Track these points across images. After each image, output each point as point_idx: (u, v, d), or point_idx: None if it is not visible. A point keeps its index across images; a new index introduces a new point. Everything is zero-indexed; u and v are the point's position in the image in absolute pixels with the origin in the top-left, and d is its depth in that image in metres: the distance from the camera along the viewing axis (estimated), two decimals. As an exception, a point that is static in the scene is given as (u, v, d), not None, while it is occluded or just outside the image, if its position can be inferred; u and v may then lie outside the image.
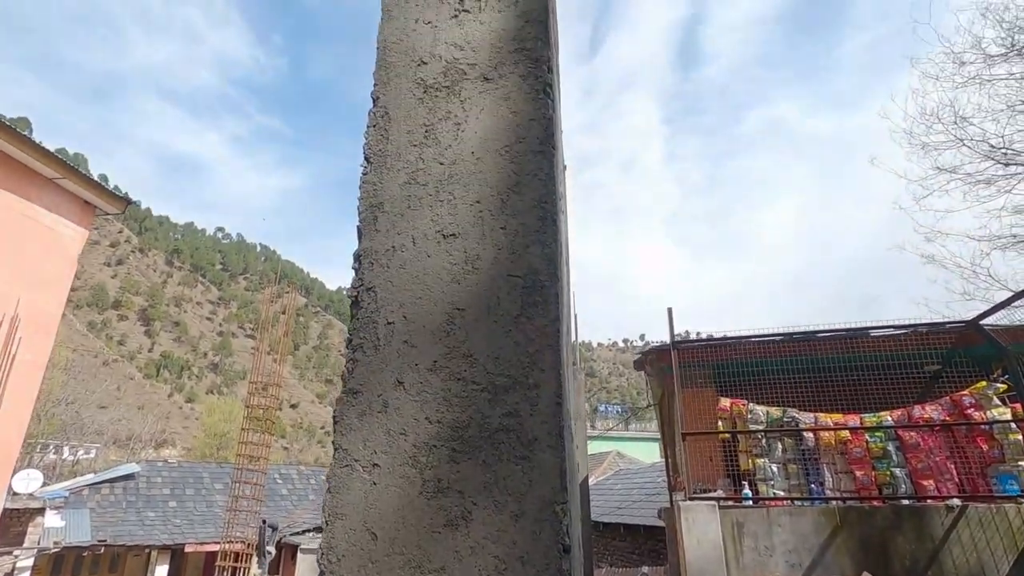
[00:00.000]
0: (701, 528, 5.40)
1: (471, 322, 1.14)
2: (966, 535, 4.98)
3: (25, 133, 10.93)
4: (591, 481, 25.59)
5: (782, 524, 5.35)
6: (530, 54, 1.37)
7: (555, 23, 1.73)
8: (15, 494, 17.25)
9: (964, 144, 10.27)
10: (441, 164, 1.29)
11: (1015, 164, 10.19)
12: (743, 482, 6.02)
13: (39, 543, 17.04)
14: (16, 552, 16.65)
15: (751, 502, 5.74)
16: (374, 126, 1.37)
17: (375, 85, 1.42)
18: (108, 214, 13.46)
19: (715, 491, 5.98)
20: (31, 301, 11.01)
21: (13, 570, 16.48)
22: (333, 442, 1.09)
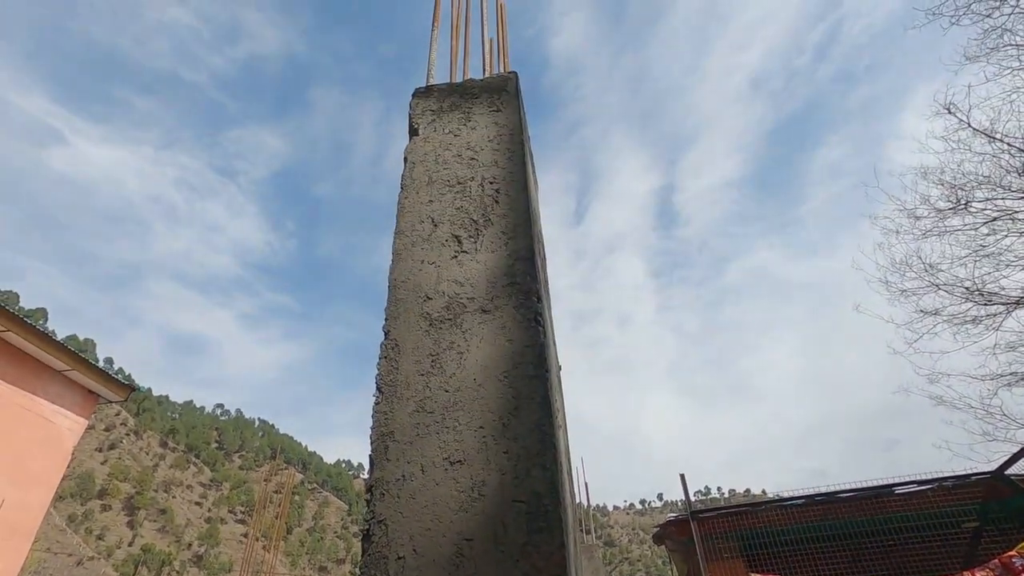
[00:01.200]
0: None
1: (479, 553, 1.17)
2: None
3: (40, 324, 11.40)
4: None
5: None
6: (521, 287, 1.58)
7: (542, 251, 2.00)
8: None
9: (940, 289, 10.77)
10: (446, 391, 1.42)
11: (995, 303, 10.58)
12: None
13: None
14: None
15: None
16: (385, 357, 1.53)
17: (386, 320, 1.61)
18: (110, 401, 13.48)
19: None
20: (16, 500, 10.53)
21: None
22: None
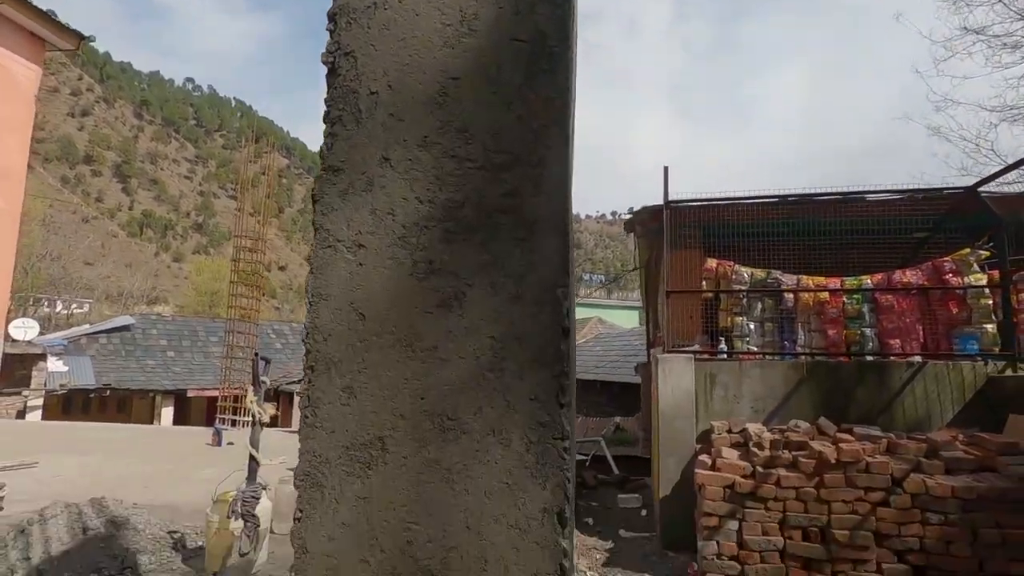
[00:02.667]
0: (676, 378, 5.72)
1: (467, 93, 0.99)
2: (920, 388, 5.35)
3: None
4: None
5: (752, 376, 5.68)
6: None
7: None
8: (13, 340, 17.77)
9: (1000, 1, 9.43)
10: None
11: (1049, 26, 9.46)
12: (720, 338, 6.30)
13: (45, 385, 17.93)
14: (25, 392, 17.57)
15: (726, 356, 6.04)
16: None
17: None
18: (60, 50, 12.27)
19: (693, 346, 6.26)
20: (-8, 144, 10.42)
21: (25, 408, 17.50)
22: (314, 222, 0.99)
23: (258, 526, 3.26)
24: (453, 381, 0.90)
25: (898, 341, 5.79)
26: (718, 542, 4.64)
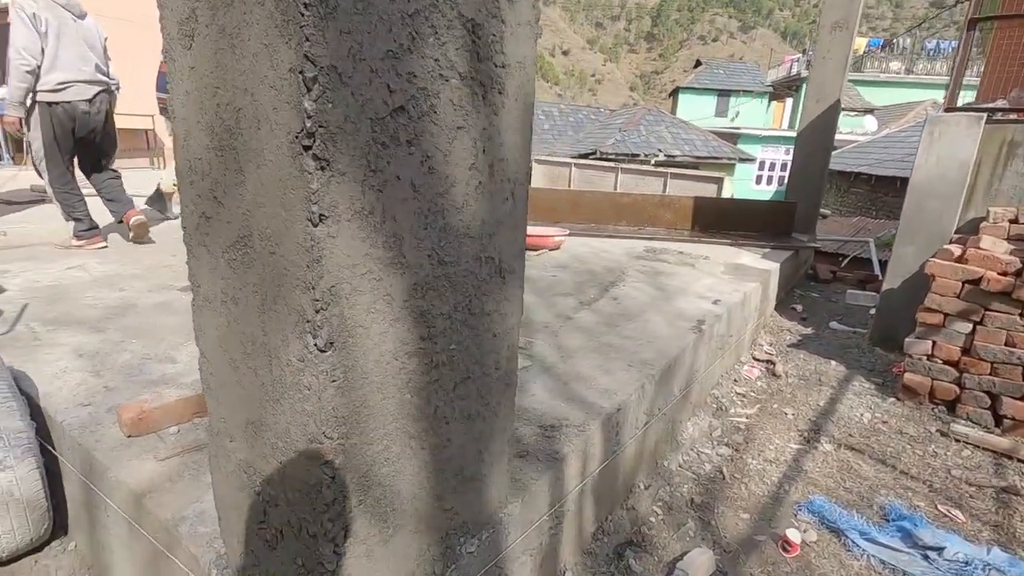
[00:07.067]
0: (945, 145, 4.23)
1: None
2: None
3: None
4: (884, 132, 21.63)
5: (1087, 147, 3.86)
6: None
7: None
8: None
9: None
10: None
11: None
12: (1048, 90, 4.27)
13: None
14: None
15: (1045, 116, 4.13)
16: None
17: None
18: None
19: (999, 103, 4.41)
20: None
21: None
22: None
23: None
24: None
25: None
26: (934, 342, 3.82)
